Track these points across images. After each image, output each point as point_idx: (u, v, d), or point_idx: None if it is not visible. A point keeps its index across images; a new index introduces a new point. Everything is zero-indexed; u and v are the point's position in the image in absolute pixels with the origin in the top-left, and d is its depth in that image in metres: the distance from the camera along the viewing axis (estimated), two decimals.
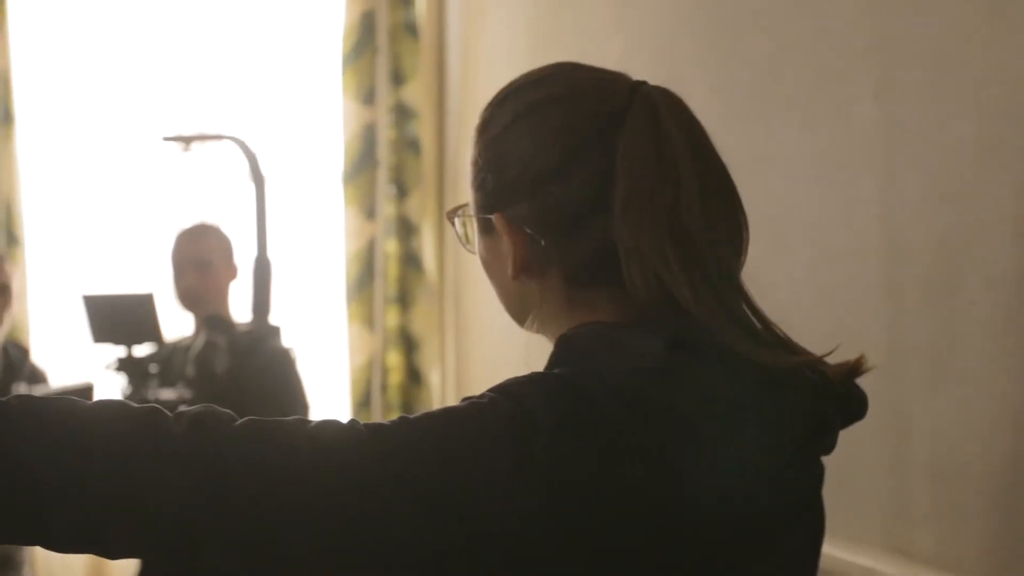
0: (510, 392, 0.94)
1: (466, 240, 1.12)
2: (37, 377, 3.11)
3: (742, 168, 2.23)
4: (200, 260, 2.83)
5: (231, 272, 2.91)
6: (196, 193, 3.64)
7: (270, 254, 2.85)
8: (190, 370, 2.60)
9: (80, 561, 3.49)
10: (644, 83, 1.04)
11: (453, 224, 1.14)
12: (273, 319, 2.84)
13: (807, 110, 1.97)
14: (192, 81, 3.72)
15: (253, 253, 2.82)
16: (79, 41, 3.67)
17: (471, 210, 1.09)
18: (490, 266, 1.08)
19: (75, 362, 3.52)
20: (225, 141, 2.88)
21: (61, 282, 3.65)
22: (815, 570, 1.10)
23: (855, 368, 1.03)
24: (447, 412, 0.94)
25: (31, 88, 3.65)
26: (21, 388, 3.04)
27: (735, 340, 0.96)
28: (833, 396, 1.03)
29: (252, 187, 2.80)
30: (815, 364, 1.01)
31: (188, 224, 2.93)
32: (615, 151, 0.98)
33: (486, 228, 1.07)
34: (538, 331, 1.09)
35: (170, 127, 3.08)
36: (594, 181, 0.99)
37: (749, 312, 1.01)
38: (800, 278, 1.98)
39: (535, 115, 1.03)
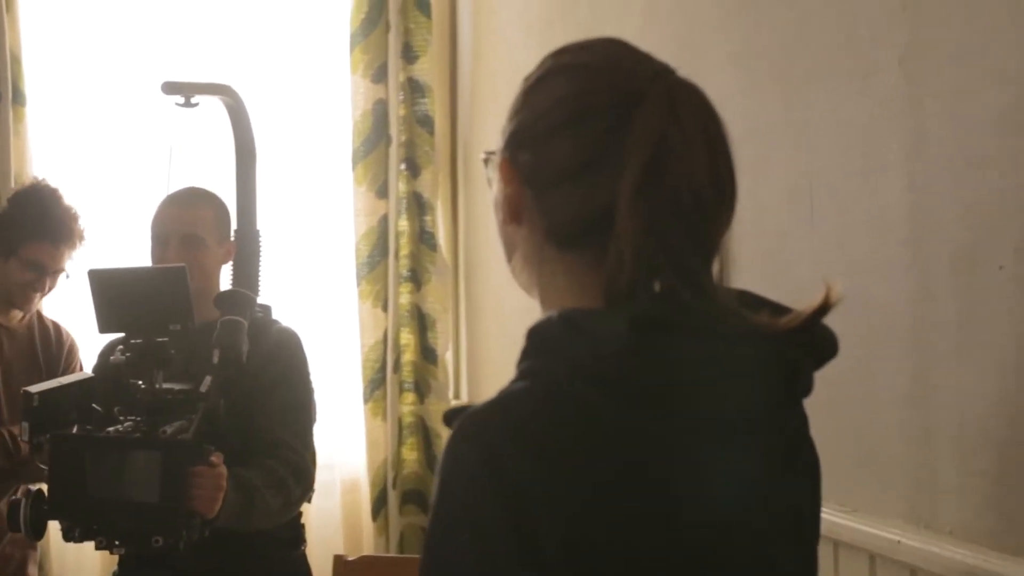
0: (475, 437, 0.97)
1: (489, 184, 1.16)
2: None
3: (765, 136, 2.18)
4: (188, 235, 2.42)
5: (225, 250, 2.51)
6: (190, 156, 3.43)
7: (258, 226, 2.45)
8: (213, 356, 2.12)
9: None
10: (673, 72, 1.07)
11: (486, 166, 1.17)
12: (262, 299, 2.46)
13: (831, 77, 1.94)
14: (198, 62, 3.69)
15: (238, 225, 2.44)
16: (86, 20, 3.63)
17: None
18: (496, 207, 1.12)
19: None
20: (219, 96, 2.50)
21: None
22: (818, 504, 1.14)
23: (822, 307, 1.03)
24: (435, 516, 0.98)
25: (40, 68, 3.62)
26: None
27: (709, 311, 0.99)
28: (801, 342, 1.04)
29: (238, 152, 2.40)
30: (778, 318, 1.02)
31: (177, 191, 2.50)
32: (627, 124, 1.01)
33: (500, 170, 1.11)
34: (515, 278, 1.13)
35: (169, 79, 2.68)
36: (596, 145, 1.02)
37: (715, 282, 1.03)
38: (824, 248, 1.95)
39: (562, 75, 1.07)
